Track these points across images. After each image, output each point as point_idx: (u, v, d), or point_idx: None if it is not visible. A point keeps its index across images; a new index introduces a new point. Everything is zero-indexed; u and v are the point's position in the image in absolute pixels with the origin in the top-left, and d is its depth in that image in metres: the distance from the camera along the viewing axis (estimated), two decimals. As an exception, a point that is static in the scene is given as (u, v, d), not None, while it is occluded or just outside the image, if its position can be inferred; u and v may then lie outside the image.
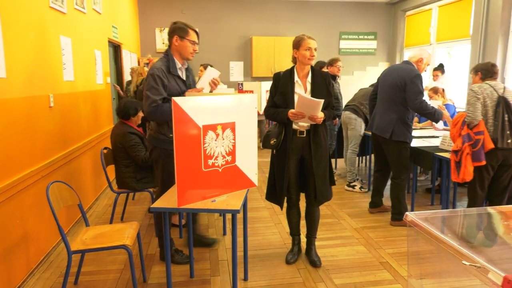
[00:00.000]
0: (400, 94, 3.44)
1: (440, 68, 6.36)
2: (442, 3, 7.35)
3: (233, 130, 2.22)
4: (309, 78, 2.75)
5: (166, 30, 8.43)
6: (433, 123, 4.47)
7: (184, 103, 1.97)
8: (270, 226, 3.72)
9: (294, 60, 2.76)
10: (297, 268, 2.88)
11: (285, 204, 2.94)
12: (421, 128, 5.00)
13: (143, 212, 4.07)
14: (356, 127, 4.79)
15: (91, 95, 4.37)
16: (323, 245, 3.25)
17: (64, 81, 3.54)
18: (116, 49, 6.23)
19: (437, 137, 4.23)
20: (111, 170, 3.72)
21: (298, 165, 2.82)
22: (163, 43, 8.41)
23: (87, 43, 4.34)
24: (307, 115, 2.57)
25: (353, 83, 8.60)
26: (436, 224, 1.21)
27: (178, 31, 2.65)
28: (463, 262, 0.86)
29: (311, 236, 2.99)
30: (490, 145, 2.85)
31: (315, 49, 2.67)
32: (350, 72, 9.01)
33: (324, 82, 2.75)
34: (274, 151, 2.81)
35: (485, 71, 3.09)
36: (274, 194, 2.88)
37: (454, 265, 1.04)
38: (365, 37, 9.11)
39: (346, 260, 3.01)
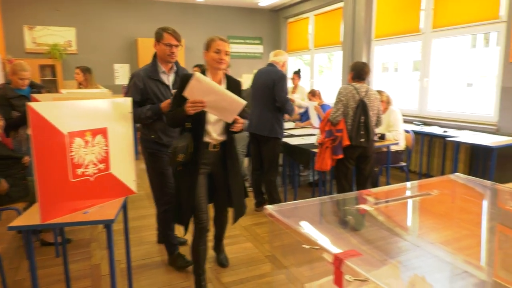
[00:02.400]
0: (272, 93, 3.73)
1: (298, 72, 6.72)
2: (317, 12, 8.03)
3: (105, 136, 2.10)
4: (223, 86, 2.44)
5: (38, 28, 7.62)
6: (312, 122, 4.91)
7: (43, 108, 1.80)
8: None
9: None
10: (186, 272, 2.86)
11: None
12: (301, 127, 5.38)
13: (12, 233, 3.60)
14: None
15: None
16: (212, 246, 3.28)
17: None
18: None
19: (314, 135, 4.60)
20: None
21: (207, 183, 2.53)
22: (34, 43, 7.58)
23: None
24: (210, 105, 2.22)
25: (242, 86, 8.86)
26: (292, 213, 1.31)
27: (155, 35, 2.73)
28: (303, 245, 0.95)
29: (220, 240, 3.01)
30: (346, 142, 3.24)
31: (227, 53, 2.38)
32: (239, 75, 9.26)
33: (239, 92, 2.47)
34: (178, 167, 2.44)
35: (357, 72, 3.39)
36: (180, 215, 2.50)
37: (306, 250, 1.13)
38: (252, 41, 9.48)
39: (234, 258, 3.09)
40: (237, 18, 9.23)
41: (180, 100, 2.29)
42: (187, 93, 2.20)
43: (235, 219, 2.63)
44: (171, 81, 2.79)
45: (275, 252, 1.43)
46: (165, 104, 2.63)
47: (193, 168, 2.40)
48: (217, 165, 2.52)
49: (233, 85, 2.53)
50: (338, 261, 0.88)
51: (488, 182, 1.89)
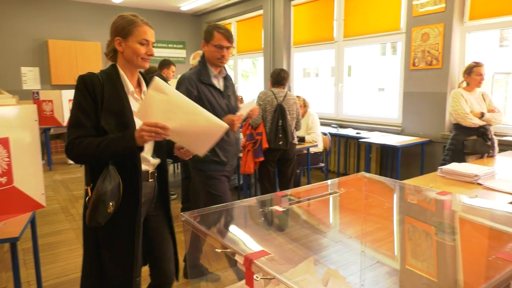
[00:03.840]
0: None
1: None
2: (239, 18, 8.17)
3: (6, 147, 1.93)
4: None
5: None
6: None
7: None
8: (76, 248, 3.39)
9: (113, 55, 1.71)
10: None
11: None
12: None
13: None
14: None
15: None
16: None
17: None
18: None
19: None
20: None
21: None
22: None
23: None
24: (177, 131, 1.49)
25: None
26: (211, 219, 1.33)
27: (204, 34, 2.33)
28: (216, 250, 0.97)
29: None
30: (265, 145, 3.37)
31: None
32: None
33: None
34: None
35: (274, 78, 3.57)
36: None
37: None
38: (175, 45, 9.33)
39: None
40: (159, 21, 9.01)
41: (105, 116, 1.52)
42: (142, 111, 1.46)
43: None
44: (222, 87, 2.44)
45: (195, 260, 1.42)
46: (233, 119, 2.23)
47: (131, 215, 1.57)
48: (150, 204, 1.73)
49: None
50: (248, 262, 0.91)
51: (392, 180, 2.08)
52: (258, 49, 7.63)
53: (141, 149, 1.48)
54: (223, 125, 1.53)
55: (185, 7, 8.47)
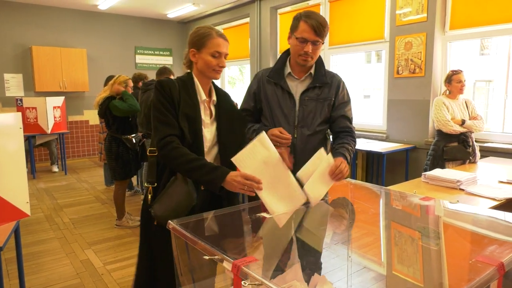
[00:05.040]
0: None
1: None
2: (226, 26, 8.21)
3: (-10, 155, 1.90)
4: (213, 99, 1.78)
5: None
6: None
7: None
8: (60, 257, 3.34)
9: (189, 65, 1.74)
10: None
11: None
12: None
13: None
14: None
15: None
16: (124, 266, 3.13)
17: None
18: None
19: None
20: None
21: None
22: None
23: None
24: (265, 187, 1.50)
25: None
26: (199, 226, 1.33)
27: (292, 23, 1.89)
28: (204, 257, 0.98)
29: None
30: None
31: (226, 56, 1.76)
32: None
33: (233, 109, 1.86)
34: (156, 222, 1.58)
35: None
36: None
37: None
38: (161, 53, 9.31)
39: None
40: (145, 29, 8.99)
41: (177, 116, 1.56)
42: (240, 157, 1.46)
43: None
44: (300, 91, 1.94)
45: (183, 268, 1.41)
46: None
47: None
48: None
49: (224, 99, 1.81)
50: (236, 268, 0.92)
51: (377, 186, 2.12)
52: (245, 57, 7.67)
53: (222, 189, 1.47)
54: (302, 199, 1.56)
55: (171, 14, 8.48)
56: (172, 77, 4.48)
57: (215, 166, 1.49)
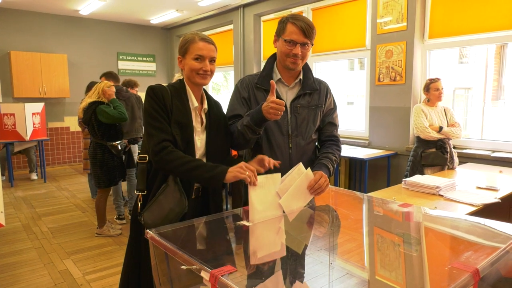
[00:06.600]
0: None
1: None
2: (209, 32, 8.21)
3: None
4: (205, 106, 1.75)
5: None
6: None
7: None
8: (38, 268, 3.24)
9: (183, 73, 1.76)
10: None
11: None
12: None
13: None
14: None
15: None
16: (103, 276, 3.06)
17: None
18: None
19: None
20: None
21: None
22: None
23: None
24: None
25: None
26: (179, 235, 1.31)
27: (278, 26, 1.83)
28: (182, 266, 0.96)
29: None
30: (235, 152, 3.36)
31: (212, 60, 1.67)
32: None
33: (222, 118, 1.83)
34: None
35: None
36: None
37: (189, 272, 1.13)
38: (144, 59, 9.24)
39: (125, 286, 2.92)
40: (128, 34, 8.92)
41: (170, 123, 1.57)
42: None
43: None
44: (291, 98, 1.89)
45: (161, 278, 1.39)
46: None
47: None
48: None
49: (215, 107, 1.80)
50: (213, 278, 0.90)
51: (358, 193, 2.13)
52: (229, 63, 7.69)
53: (224, 185, 1.47)
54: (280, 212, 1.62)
55: (155, 20, 8.44)
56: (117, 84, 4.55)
57: (215, 164, 1.52)
